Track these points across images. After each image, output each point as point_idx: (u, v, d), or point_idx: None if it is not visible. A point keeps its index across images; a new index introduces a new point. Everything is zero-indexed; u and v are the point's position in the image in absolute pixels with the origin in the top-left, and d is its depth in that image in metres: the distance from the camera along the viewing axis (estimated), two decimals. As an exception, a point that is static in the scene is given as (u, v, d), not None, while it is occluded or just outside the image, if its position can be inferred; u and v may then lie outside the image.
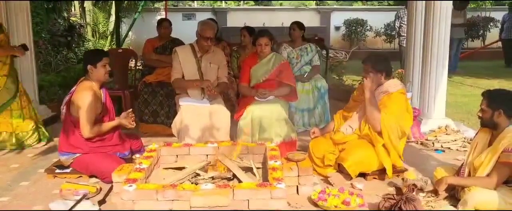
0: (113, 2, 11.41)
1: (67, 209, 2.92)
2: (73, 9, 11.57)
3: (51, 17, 9.92)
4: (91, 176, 3.65)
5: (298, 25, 5.58)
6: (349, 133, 3.80)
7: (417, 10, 5.56)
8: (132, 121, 3.71)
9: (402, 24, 8.79)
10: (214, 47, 4.58)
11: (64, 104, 3.68)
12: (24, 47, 4.75)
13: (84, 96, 3.51)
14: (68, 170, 3.69)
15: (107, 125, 3.66)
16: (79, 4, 11.60)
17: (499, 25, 12.19)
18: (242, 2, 18.36)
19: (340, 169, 3.73)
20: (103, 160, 3.55)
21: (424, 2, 5.20)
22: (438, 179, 3.20)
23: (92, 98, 3.52)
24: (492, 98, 2.99)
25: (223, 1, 17.95)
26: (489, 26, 13.54)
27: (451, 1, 4.92)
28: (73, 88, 3.68)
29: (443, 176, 3.16)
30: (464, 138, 4.71)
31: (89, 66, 3.62)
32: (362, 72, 3.82)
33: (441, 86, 5.03)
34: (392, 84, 3.76)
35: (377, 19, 14.10)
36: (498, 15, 12.71)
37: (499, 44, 11.84)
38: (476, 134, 3.23)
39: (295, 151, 3.85)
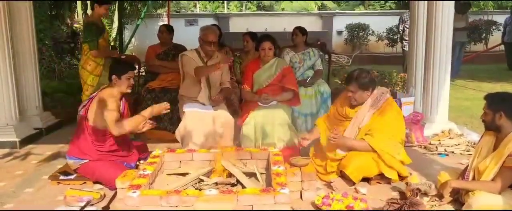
0: (116, 8, 11.47)
1: (72, 215, 2.93)
2: (76, 15, 11.64)
3: (55, 24, 9.99)
4: (95, 182, 3.66)
5: (300, 30, 5.60)
6: (344, 153, 3.69)
7: (419, 14, 5.57)
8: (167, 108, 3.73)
9: (405, 28, 8.80)
10: (217, 52, 4.60)
11: (82, 107, 3.71)
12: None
13: (109, 101, 3.53)
14: (72, 177, 3.70)
15: (131, 122, 3.59)
16: (82, 10, 11.66)
17: (501, 28, 12.17)
18: (244, 7, 18.43)
19: (343, 174, 3.72)
20: (109, 168, 3.56)
21: (426, 6, 5.20)
22: (442, 183, 3.19)
23: (116, 103, 3.56)
24: (493, 100, 3.00)
25: (225, 7, 18.02)
26: (492, 29, 13.52)
27: (453, 5, 4.92)
28: (94, 93, 3.72)
29: (448, 180, 3.15)
30: (468, 142, 4.70)
31: (114, 76, 3.67)
32: (347, 92, 3.70)
33: (444, 90, 5.03)
34: (379, 95, 3.70)
35: (379, 23, 14.12)
36: (501, 18, 12.69)
37: (502, 47, 11.81)
38: (481, 137, 3.23)
39: (298, 156, 3.86)
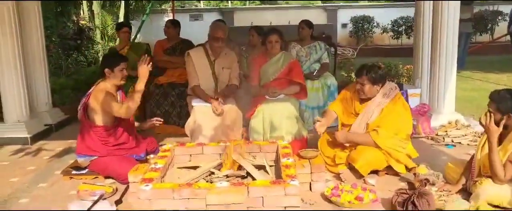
0: (121, 4, 11.51)
1: (86, 209, 2.98)
2: (82, 12, 11.69)
3: (61, 21, 10.04)
4: (107, 177, 3.72)
5: (306, 23, 5.61)
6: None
7: (425, 5, 5.57)
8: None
9: None
10: (226, 49, 4.61)
11: (81, 106, 3.74)
12: None
13: (102, 95, 3.55)
14: (84, 172, 3.76)
15: (134, 94, 3.52)
16: (87, 7, 11.71)
17: (507, 18, 12.11)
18: (248, 1, 18.41)
19: (351, 166, 3.75)
20: (120, 163, 3.61)
21: (431, -3, 5.21)
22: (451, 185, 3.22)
23: (109, 94, 3.57)
24: (500, 102, 2.94)
25: (230, 1, 18.01)
26: (497, 19, 13.47)
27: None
28: (90, 90, 3.73)
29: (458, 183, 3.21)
30: (475, 133, 4.72)
31: (106, 70, 3.67)
32: (356, 84, 3.71)
33: (450, 81, 5.04)
34: (388, 91, 3.70)
35: (384, 16, 14.10)
36: (506, 9, 12.64)
37: (508, 37, 11.76)
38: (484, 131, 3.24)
39: (306, 148, 3.89)
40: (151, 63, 3.57)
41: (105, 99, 3.54)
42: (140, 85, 3.50)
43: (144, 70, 3.50)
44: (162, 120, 3.99)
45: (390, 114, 3.62)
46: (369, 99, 3.73)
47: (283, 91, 4.43)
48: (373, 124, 3.66)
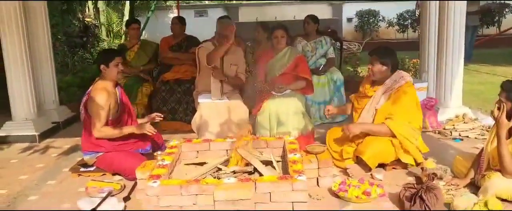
0: (127, 1, 11.53)
1: (94, 206, 3.00)
2: (87, 10, 11.72)
3: (66, 19, 10.07)
4: (114, 174, 3.74)
5: (312, 18, 5.59)
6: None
7: (431, -1, 5.53)
8: (154, 131, 3.67)
9: None
10: (233, 46, 4.61)
11: (82, 105, 3.75)
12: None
13: (98, 97, 3.55)
14: (92, 169, 3.78)
15: (120, 131, 3.63)
16: (93, 4, 11.73)
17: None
18: (252, -4, 18.34)
19: (359, 160, 3.75)
20: (126, 158, 3.62)
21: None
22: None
23: (106, 99, 3.55)
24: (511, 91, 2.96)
25: (234, -4, 17.95)
26: (505, 12, 13.35)
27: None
28: (90, 88, 3.74)
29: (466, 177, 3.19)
30: (482, 126, 4.69)
31: (102, 66, 3.66)
32: (369, 64, 3.75)
33: (457, 74, 5.01)
34: (398, 78, 3.70)
35: (390, 9, 14.02)
36: (514, 1, 12.54)
37: (515, 30, 11.67)
38: (495, 123, 3.22)
39: (313, 143, 3.89)
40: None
41: (99, 103, 3.54)
42: (128, 130, 3.62)
43: (146, 129, 3.59)
44: (162, 116, 3.97)
45: (400, 102, 3.60)
46: (380, 83, 3.73)
47: (290, 87, 4.42)
48: (381, 110, 3.66)
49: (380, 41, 13.84)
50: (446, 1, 4.85)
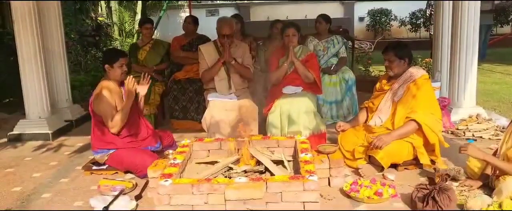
0: (139, 1, 11.60)
1: (107, 204, 3.02)
2: (99, 9, 11.82)
3: (79, 18, 10.16)
4: (126, 172, 3.76)
5: (324, 18, 5.57)
6: (379, 124, 3.81)
7: (444, -3, 5.47)
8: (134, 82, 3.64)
9: (433, 12, 8.67)
10: (237, 41, 4.63)
11: (89, 104, 3.79)
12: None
13: (100, 96, 3.60)
14: (104, 167, 3.81)
15: (124, 104, 3.64)
16: (105, 4, 11.83)
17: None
18: (264, -4, 18.31)
19: (371, 160, 3.73)
20: (137, 155, 3.66)
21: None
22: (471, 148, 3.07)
23: (108, 97, 3.59)
24: None
25: (246, -4, 17.92)
26: (519, 11, 13.18)
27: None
28: (96, 88, 3.77)
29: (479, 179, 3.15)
30: (496, 127, 4.63)
31: (106, 66, 3.71)
32: (384, 62, 3.81)
33: (471, 74, 4.95)
34: (415, 71, 3.75)
35: (402, 8, 13.91)
36: (529, 0, 12.35)
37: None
38: (510, 123, 3.18)
39: (324, 143, 3.87)
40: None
41: (105, 102, 3.58)
42: (127, 104, 3.63)
43: (128, 86, 3.60)
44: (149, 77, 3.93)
45: (420, 94, 3.62)
46: (396, 78, 3.78)
47: (299, 68, 4.37)
48: (402, 105, 3.67)
49: (392, 40, 13.73)
50: (460, 0, 4.80)
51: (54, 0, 5.53)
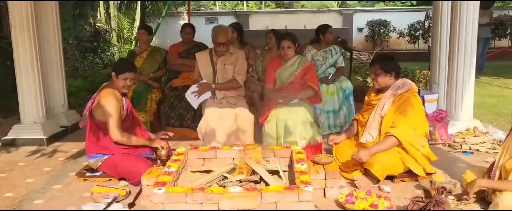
0: (138, 7, 11.62)
1: (99, 211, 2.99)
2: (98, 15, 11.83)
3: (78, 23, 10.16)
4: (120, 179, 3.73)
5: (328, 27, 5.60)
6: (370, 140, 3.77)
7: (443, 10, 5.49)
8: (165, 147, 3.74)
9: (431, 25, 8.70)
10: (233, 48, 4.65)
11: (86, 110, 3.76)
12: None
13: (108, 102, 3.58)
14: (98, 174, 3.78)
15: (138, 140, 3.75)
16: (104, 10, 11.84)
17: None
18: (263, 4, 18.40)
19: (367, 172, 3.71)
20: (131, 161, 3.64)
21: (450, 2, 5.13)
22: (469, 182, 3.12)
23: (117, 103, 3.62)
24: None
25: (245, 4, 18.03)
26: (517, 24, 13.24)
27: (478, 1, 4.83)
28: (95, 93, 3.76)
29: (475, 179, 3.08)
30: (493, 140, 4.62)
31: (113, 73, 3.72)
32: (371, 75, 3.81)
33: (468, 86, 4.95)
34: (401, 85, 3.73)
35: (401, 20, 13.95)
36: (526, 14, 12.43)
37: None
38: (507, 136, 3.17)
39: (320, 154, 3.85)
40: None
41: (110, 108, 3.58)
42: (143, 142, 3.75)
43: (157, 145, 3.72)
44: (172, 135, 4.05)
45: (404, 109, 3.60)
46: (384, 91, 3.77)
47: (296, 96, 4.39)
48: (386, 119, 3.66)
49: (391, 51, 13.77)
50: (458, 13, 4.81)
51: (53, 0, 5.52)
